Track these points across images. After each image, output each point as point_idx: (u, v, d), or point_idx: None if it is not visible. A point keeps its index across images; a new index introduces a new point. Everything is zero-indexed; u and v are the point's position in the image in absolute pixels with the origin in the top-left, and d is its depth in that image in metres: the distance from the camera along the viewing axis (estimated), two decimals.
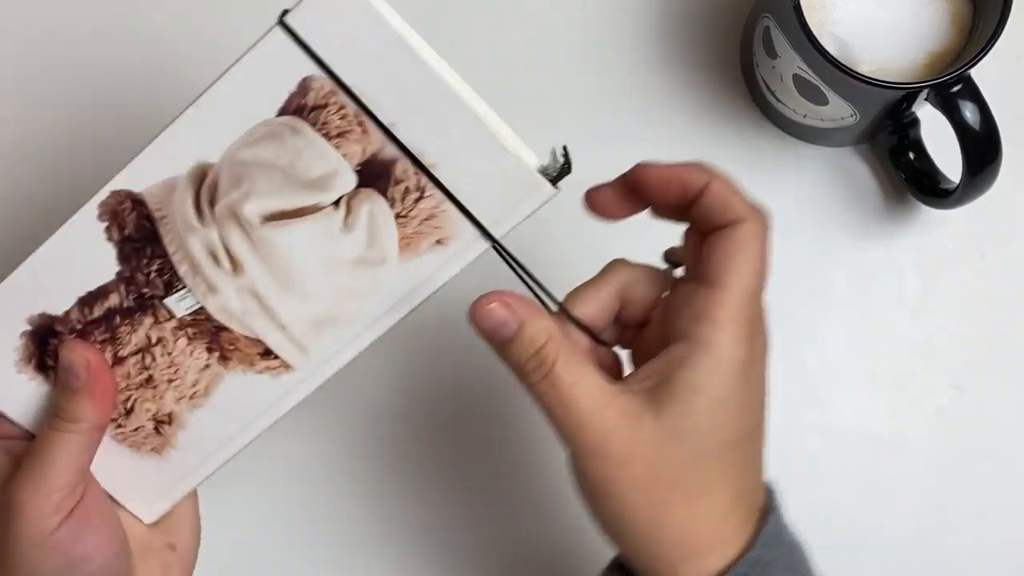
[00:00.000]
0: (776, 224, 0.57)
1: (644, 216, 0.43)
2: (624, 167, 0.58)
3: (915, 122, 0.55)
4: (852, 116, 0.53)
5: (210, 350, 0.44)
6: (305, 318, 0.43)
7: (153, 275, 0.43)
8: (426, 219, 0.41)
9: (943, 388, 0.57)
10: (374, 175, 0.41)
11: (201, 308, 0.43)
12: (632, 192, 0.42)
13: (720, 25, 0.59)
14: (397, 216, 0.41)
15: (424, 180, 0.41)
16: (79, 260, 0.43)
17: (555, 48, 0.59)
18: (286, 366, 0.43)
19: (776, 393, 0.56)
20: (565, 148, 0.41)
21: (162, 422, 0.45)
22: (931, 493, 0.56)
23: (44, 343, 0.44)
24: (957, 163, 0.51)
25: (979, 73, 0.49)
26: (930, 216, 0.58)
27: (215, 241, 0.43)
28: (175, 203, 0.43)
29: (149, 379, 0.45)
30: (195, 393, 0.45)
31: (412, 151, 0.40)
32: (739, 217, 0.40)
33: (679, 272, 0.44)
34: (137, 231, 0.43)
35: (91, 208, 0.43)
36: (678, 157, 0.57)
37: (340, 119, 0.41)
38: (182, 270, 0.43)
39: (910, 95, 0.51)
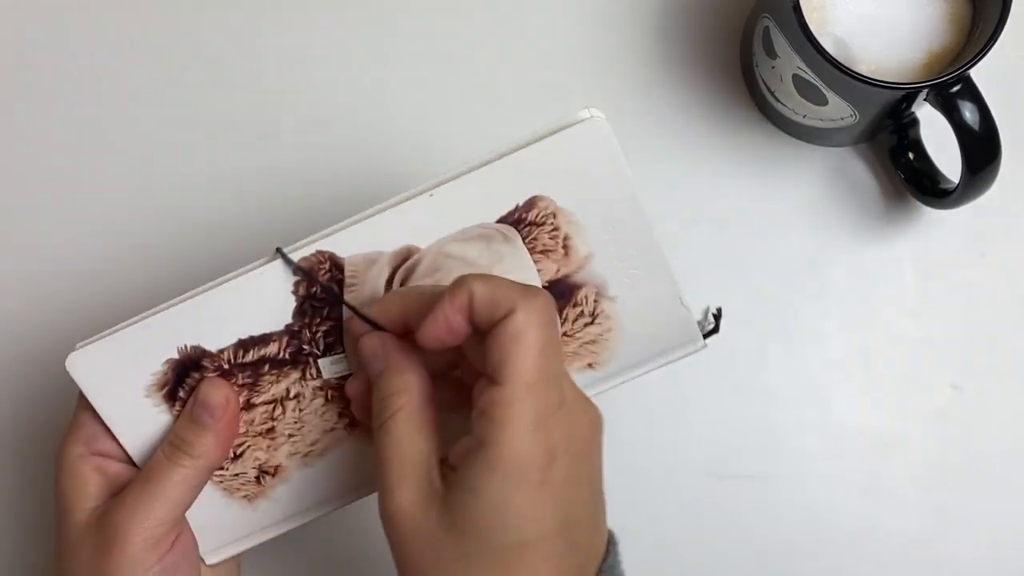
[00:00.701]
0: (776, 224, 0.58)
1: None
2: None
3: (915, 122, 0.56)
4: (852, 116, 0.53)
5: (341, 415, 0.45)
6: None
7: (320, 335, 0.44)
8: (588, 343, 0.45)
9: (943, 388, 0.57)
10: (558, 293, 0.44)
11: (347, 374, 0.45)
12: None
13: (720, 25, 0.59)
14: (563, 334, 0.44)
15: (600, 307, 0.44)
16: (256, 305, 0.44)
17: (555, 48, 0.59)
18: None
19: (776, 393, 0.57)
20: (719, 310, 0.46)
21: (266, 473, 0.45)
22: (931, 493, 0.56)
23: (184, 375, 0.44)
24: (957, 163, 0.51)
25: (979, 73, 0.49)
26: (930, 216, 0.58)
27: None
28: (370, 275, 0.44)
29: (271, 430, 0.45)
30: (310, 452, 0.45)
31: (597, 282, 0.44)
32: (509, 309, 0.37)
33: None
34: (323, 292, 0.44)
35: (279, 267, 0.43)
36: (678, 157, 0.58)
37: (550, 238, 0.44)
38: (348, 338, 0.44)
39: (909, 95, 0.51)
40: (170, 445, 0.44)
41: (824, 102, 0.53)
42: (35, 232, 0.57)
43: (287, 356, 0.44)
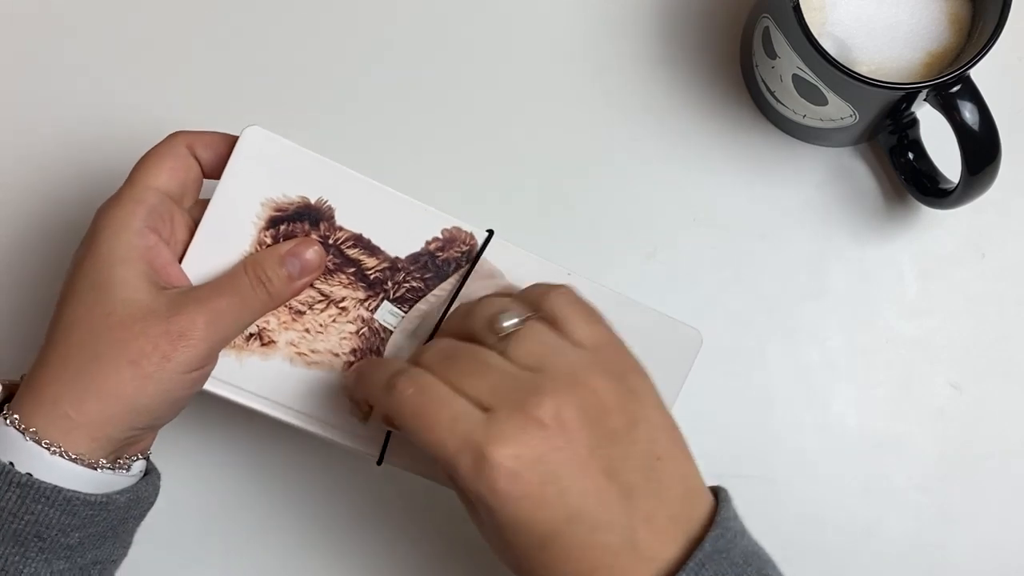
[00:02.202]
0: (776, 224, 0.58)
1: None
2: (624, 166, 0.58)
3: (914, 122, 0.56)
4: (851, 116, 0.53)
5: (352, 353, 0.47)
6: None
7: (406, 287, 0.47)
8: None
9: (942, 388, 0.57)
10: None
11: (388, 331, 0.47)
12: None
13: (720, 25, 0.59)
14: None
15: None
16: (398, 225, 0.47)
17: (555, 48, 0.59)
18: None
19: (776, 393, 0.57)
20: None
21: (259, 338, 0.47)
22: (931, 493, 0.56)
23: (299, 219, 0.46)
24: (956, 163, 0.51)
25: (978, 73, 0.49)
26: (929, 216, 0.58)
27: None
28: (481, 280, 0.47)
29: (300, 313, 0.47)
30: (304, 355, 0.47)
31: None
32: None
33: None
34: (444, 264, 0.48)
35: (443, 218, 0.47)
36: (678, 157, 0.58)
37: None
38: (420, 310, 0.47)
39: (909, 95, 0.51)
40: (255, 275, 0.45)
41: (824, 102, 0.53)
42: None
43: (371, 278, 0.47)
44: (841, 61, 0.49)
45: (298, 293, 0.46)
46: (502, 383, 0.40)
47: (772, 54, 0.53)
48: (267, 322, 0.46)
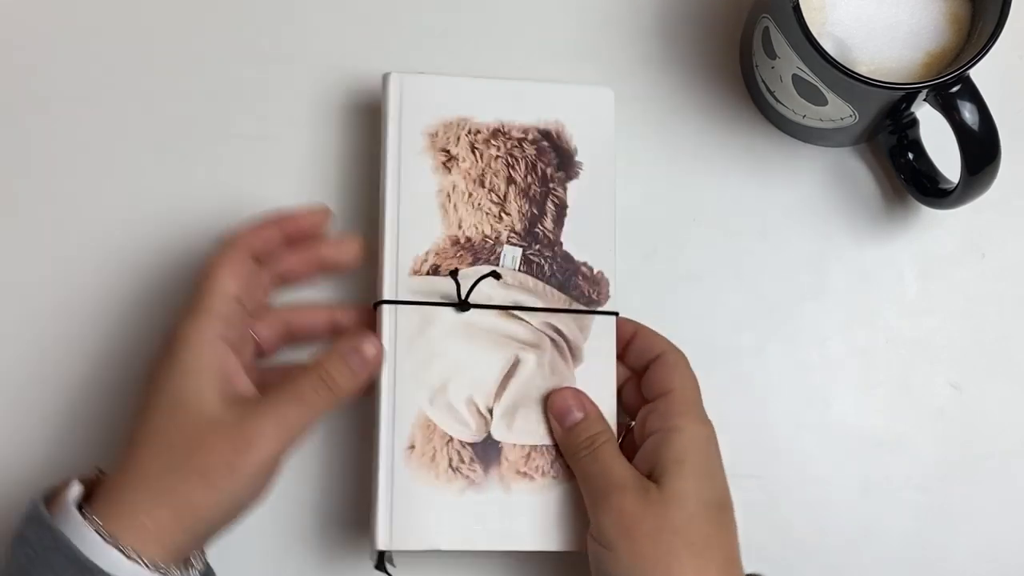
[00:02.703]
0: (776, 224, 0.58)
1: None
2: (623, 167, 0.58)
3: (914, 122, 0.56)
4: (851, 116, 0.53)
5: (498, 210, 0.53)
6: None
7: (549, 210, 0.53)
8: None
9: (942, 388, 0.57)
10: None
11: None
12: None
13: (720, 25, 0.59)
14: None
15: None
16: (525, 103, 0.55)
17: (555, 48, 0.59)
18: None
19: (776, 393, 0.57)
20: None
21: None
22: (930, 493, 0.56)
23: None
24: (956, 163, 0.51)
25: (978, 73, 0.49)
26: (929, 216, 0.58)
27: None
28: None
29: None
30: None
31: None
32: (663, 350, 0.51)
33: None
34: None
35: (565, 89, 0.55)
36: (678, 157, 0.58)
37: None
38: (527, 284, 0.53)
39: (909, 95, 0.51)
40: (317, 377, 0.47)
41: (824, 102, 0.53)
42: None
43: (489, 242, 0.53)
44: (841, 61, 0.49)
45: (362, 387, 0.48)
46: None
47: (772, 54, 0.53)
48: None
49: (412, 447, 0.50)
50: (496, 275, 0.52)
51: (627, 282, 0.56)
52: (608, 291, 0.53)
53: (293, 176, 0.57)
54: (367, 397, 0.50)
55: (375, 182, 0.53)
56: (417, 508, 0.50)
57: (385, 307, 0.51)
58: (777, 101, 0.56)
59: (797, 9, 0.49)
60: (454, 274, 0.51)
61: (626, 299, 0.53)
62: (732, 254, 0.58)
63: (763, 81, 0.56)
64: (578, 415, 0.50)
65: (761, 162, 0.58)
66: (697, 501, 0.47)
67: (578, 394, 0.51)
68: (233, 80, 0.57)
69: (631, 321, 0.53)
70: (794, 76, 0.53)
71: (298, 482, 0.53)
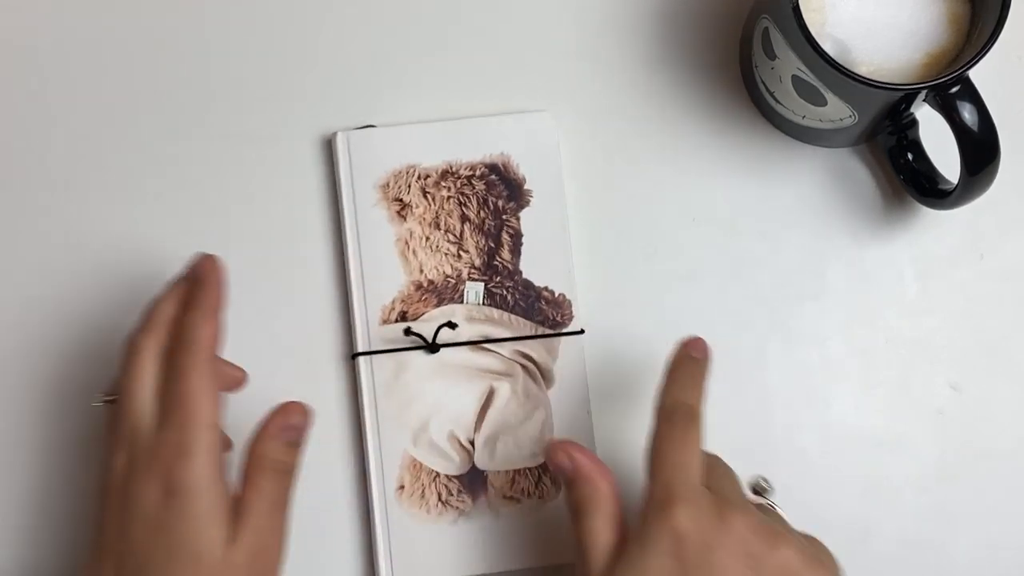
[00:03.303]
0: (775, 225, 0.58)
1: None
2: (623, 166, 0.58)
3: (914, 123, 0.56)
4: (851, 117, 0.53)
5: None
6: None
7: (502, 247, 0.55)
8: None
9: (942, 388, 0.57)
10: None
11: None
12: None
13: (720, 26, 0.59)
14: None
15: None
16: (469, 137, 0.57)
17: (555, 48, 0.59)
18: None
19: (776, 393, 0.57)
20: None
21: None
22: (930, 493, 0.56)
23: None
24: (955, 164, 0.51)
25: (977, 74, 0.49)
26: (929, 217, 0.58)
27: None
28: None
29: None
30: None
31: None
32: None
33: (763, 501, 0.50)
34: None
35: (506, 120, 0.57)
36: (678, 158, 0.58)
37: None
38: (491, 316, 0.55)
39: (909, 96, 0.51)
40: (270, 470, 0.46)
41: (823, 103, 0.53)
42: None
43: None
44: (840, 62, 0.49)
45: (302, 451, 0.48)
46: None
47: (771, 55, 0.53)
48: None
49: (402, 487, 0.53)
50: (452, 325, 0.54)
51: (627, 282, 0.56)
52: (571, 311, 0.55)
53: (264, 231, 0.57)
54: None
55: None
56: (414, 544, 0.53)
57: (360, 359, 0.54)
58: (777, 102, 0.56)
59: (797, 10, 0.49)
60: (407, 331, 0.54)
61: (626, 299, 0.53)
62: (732, 254, 0.58)
63: (763, 82, 0.56)
64: (571, 475, 0.48)
65: (761, 162, 0.58)
66: None
67: (570, 447, 0.49)
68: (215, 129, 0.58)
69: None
70: (794, 77, 0.53)
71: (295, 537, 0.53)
